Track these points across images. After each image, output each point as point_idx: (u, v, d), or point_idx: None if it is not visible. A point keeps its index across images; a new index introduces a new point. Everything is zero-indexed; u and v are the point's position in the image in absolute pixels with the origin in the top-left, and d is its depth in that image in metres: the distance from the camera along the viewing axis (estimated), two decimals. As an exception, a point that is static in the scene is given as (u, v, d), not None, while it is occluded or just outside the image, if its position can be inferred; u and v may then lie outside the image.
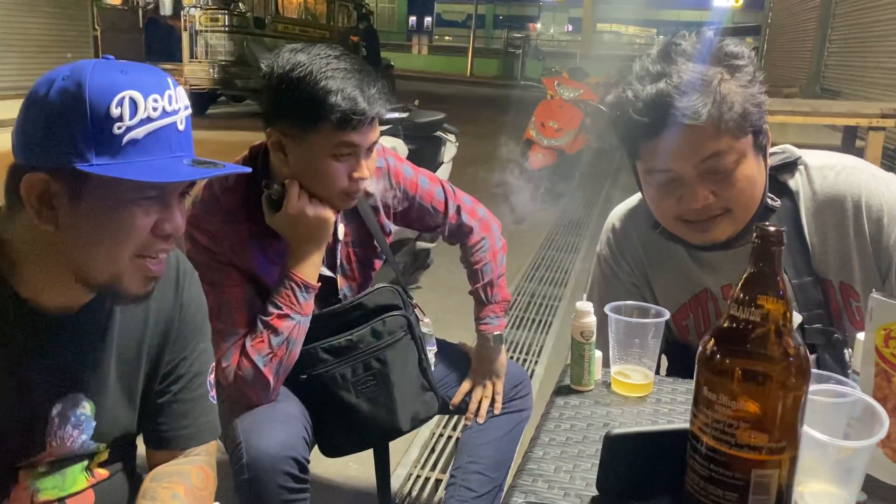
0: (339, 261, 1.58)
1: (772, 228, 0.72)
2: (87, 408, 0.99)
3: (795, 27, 12.03)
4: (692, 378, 1.22)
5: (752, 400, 0.72)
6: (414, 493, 2.25)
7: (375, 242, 1.62)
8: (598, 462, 0.85)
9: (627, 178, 7.25)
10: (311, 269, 1.44)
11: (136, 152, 0.86)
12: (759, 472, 0.72)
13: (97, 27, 11.60)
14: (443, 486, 2.26)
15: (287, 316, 1.41)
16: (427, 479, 2.32)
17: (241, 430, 1.37)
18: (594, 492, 0.85)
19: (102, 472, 1.05)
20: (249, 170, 1.00)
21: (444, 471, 2.35)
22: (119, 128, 0.84)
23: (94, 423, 1.00)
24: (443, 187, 1.68)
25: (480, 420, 1.71)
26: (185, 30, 10.67)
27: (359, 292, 1.61)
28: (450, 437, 2.56)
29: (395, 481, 2.22)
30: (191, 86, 10.48)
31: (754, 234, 0.73)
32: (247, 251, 1.44)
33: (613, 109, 1.21)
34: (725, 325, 0.74)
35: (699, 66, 1.14)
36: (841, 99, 6.16)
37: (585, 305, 1.13)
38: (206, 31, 10.58)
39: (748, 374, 0.72)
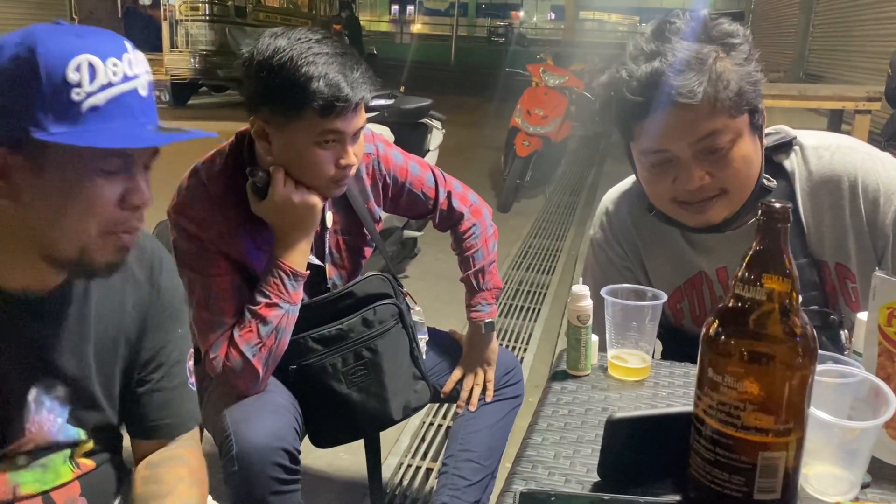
0: (327, 249, 1.55)
1: (777, 205, 0.70)
2: (61, 392, 0.96)
3: (779, 13, 12.06)
4: (687, 362, 1.21)
5: (758, 381, 0.70)
6: (405, 483, 2.23)
7: (365, 230, 1.59)
8: (598, 447, 0.84)
9: (613, 164, 7.27)
10: (299, 256, 1.41)
11: (97, 119, 0.82)
12: (766, 454, 0.70)
13: (75, 16, 11.42)
14: (434, 474, 2.25)
15: (275, 305, 1.38)
16: (418, 468, 2.30)
17: (231, 422, 1.34)
18: (595, 477, 0.84)
19: (88, 464, 1.02)
20: (216, 134, 0.95)
21: (434, 460, 2.34)
22: (78, 94, 0.80)
23: (68, 408, 0.97)
24: (433, 173, 1.66)
25: (472, 408, 1.69)
26: (165, 19, 10.53)
27: (348, 281, 1.59)
28: (440, 426, 2.55)
29: (386, 471, 2.20)
30: (172, 76, 10.35)
31: (759, 212, 0.71)
32: (235, 238, 1.40)
33: (607, 89, 1.18)
34: (730, 304, 0.72)
35: (694, 45, 1.12)
36: (825, 83, 6.18)
37: (581, 289, 1.11)
38: (187, 21, 10.44)
39: (754, 354, 0.71)
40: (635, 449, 0.79)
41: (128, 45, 0.86)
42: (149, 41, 11.20)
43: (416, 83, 4.89)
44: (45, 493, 0.97)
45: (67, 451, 0.99)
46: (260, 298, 1.38)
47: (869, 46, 7.35)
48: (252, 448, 1.31)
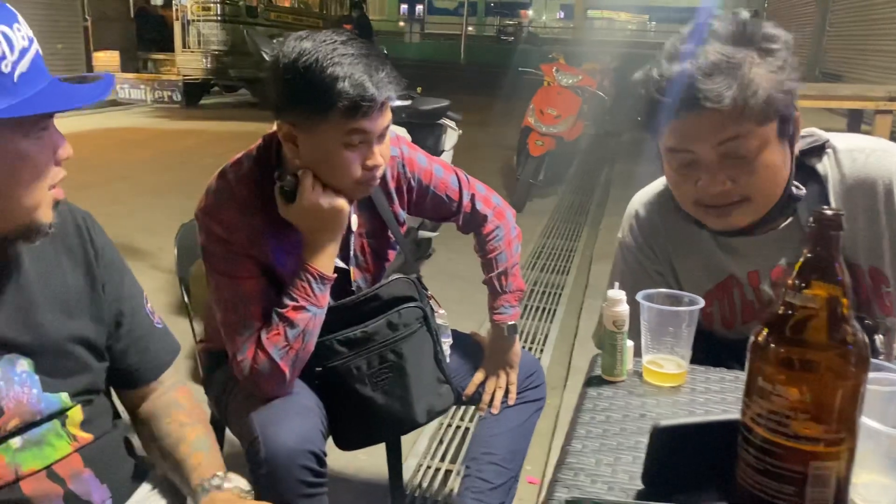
0: (352, 252, 1.55)
1: (829, 212, 0.69)
2: (24, 364, 0.96)
3: (794, 11, 11.96)
4: (718, 367, 1.20)
5: (809, 390, 0.69)
6: (424, 484, 2.23)
7: (389, 233, 1.59)
8: (639, 454, 0.83)
9: (625, 164, 7.20)
10: (327, 260, 1.40)
11: (28, 86, 0.84)
12: (818, 464, 0.69)
13: (87, 17, 11.46)
14: (453, 476, 2.25)
15: (303, 308, 1.37)
16: (437, 469, 2.30)
17: (258, 424, 1.34)
18: (639, 485, 0.83)
19: (85, 436, 1.03)
20: (113, 77, 0.98)
21: (453, 461, 2.33)
22: (6, 66, 0.81)
23: (36, 377, 0.97)
24: (457, 175, 1.65)
25: (494, 411, 1.68)
26: (177, 19, 10.56)
27: (373, 284, 1.58)
28: (458, 427, 2.54)
29: (406, 472, 2.19)
30: (184, 76, 10.38)
31: (811, 219, 0.70)
32: (262, 242, 1.40)
33: (639, 87, 1.18)
34: (780, 311, 0.71)
35: (728, 49, 1.11)
36: (841, 82, 6.11)
37: (617, 294, 1.10)
38: (199, 21, 10.47)
39: (805, 362, 0.70)
40: (681, 457, 0.78)
41: (9, 6, 0.87)
42: (161, 41, 11.27)
43: (426, 82, 4.88)
44: (47, 468, 0.98)
45: (58, 422, 1.00)
46: (287, 301, 1.37)
47: (886, 45, 7.28)
48: (281, 451, 1.30)
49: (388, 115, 1.37)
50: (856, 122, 4.03)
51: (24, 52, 0.83)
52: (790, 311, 0.71)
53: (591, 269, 4.14)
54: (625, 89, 8.32)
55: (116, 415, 1.14)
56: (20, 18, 0.86)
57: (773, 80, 1.11)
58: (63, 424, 1.00)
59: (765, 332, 0.72)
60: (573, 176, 6.74)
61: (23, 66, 0.83)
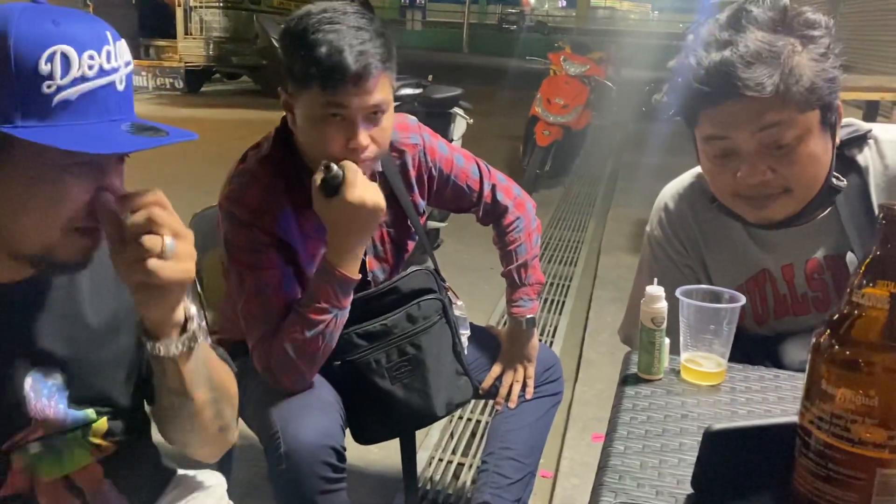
0: (372, 242, 1.52)
1: (900, 207, 0.66)
2: (57, 378, 0.93)
3: (805, 1, 11.85)
4: (748, 363, 1.17)
5: (875, 393, 0.66)
6: (436, 477, 2.21)
7: (409, 223, 1.55)
8: (684, 457, 0.80)
9: (631, 155, 7.11)
10: (354, 263, 1.34)
11: (68, 115, 0.77)
12: (885, 471, 0.66)
13: (89, 3, 11.36)
14: (465, 469, 2.23)
15: (325, 310, 1.32)
16: (449, 462, 2.28)
17: (278, 420, 1.31)
18: (688, 489, 0.79)
19: (108, 446, 0.99)
20: (196, 136, 0.91)
21: (465, 455, 2.32)
22: (49, 87, 0.76)
23: (66, 393, 0.93)
24: (478, 165, 1.62)
25: (512, 405, 1.66)
26: (179, 6, 10.48)
27: (391, 275, 1.55)
28: (469, 420, 2.53)
29: (417, 465, 2.18)
30: (185, 63, 10.31)
31: (880, 215, 0.67)
32: (286, 222, 1.37)
33: (675, 75, 1.15)
34: (845, 311, 0.68)
35: (769, 36, 1.08)
36: (854, 73, 6.00)
37: (657, 290, 1.07)
38: (201, 7, 10.40)
39: (872, 364, 0.67)
40: (734, 461, 0.75)
41: (109, 35, 0.81)
42: (163, 28, 11.19)
43: (429, 71, 4.82)
44: (65, 477, 0.94)
45: (78, 433, 0.96)
46: (310, 302, 1.32)
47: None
48: (301, 446, 1.28)
49: (379, 95, 1.27)
50: (872, 113, 3.99)
51: (79, 80, 0.77)
52: (855, 311, 0.68)
53: (599, 260, 4.11)
54: (631, 79, 8.28)
55: (145, 422, 1.08)
56: (106, 49, 0.79)
57: (815, 68, 1.08)
58: (84, 435, 0.97)
59: (828, 332, 0.69)
60: (579, 166, 6.70)
61: (69, 94, 0.77)
